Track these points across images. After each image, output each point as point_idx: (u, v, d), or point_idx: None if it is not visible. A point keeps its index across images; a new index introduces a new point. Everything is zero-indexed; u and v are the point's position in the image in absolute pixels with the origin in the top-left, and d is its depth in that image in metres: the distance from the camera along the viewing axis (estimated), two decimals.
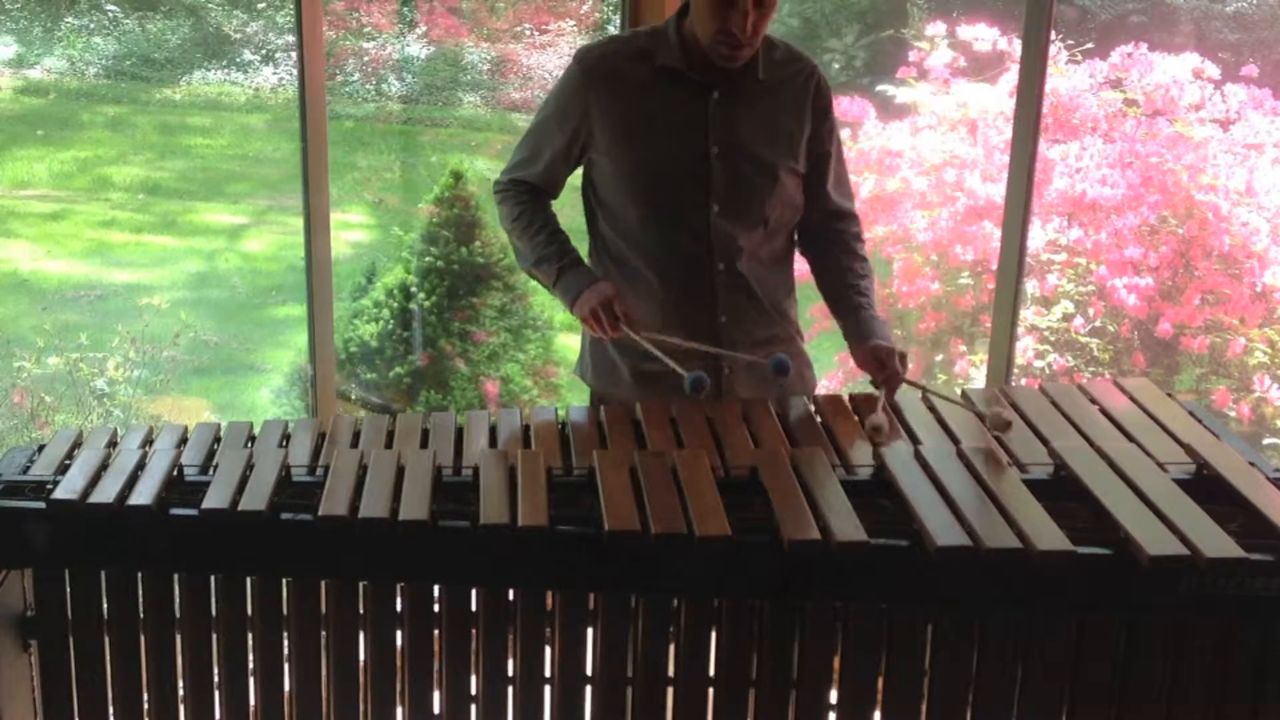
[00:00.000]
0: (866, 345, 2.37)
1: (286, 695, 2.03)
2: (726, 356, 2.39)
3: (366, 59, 6.44)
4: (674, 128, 2.38)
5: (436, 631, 1.98)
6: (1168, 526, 1.85)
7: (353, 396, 4.98)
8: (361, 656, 2.00)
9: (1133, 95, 4.66)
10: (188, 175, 6.56)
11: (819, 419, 2.26)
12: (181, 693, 2.03)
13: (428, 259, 4.94)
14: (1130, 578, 1.82)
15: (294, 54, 5.06)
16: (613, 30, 4.92)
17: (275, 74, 6.69)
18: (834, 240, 2.51)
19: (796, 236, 2.54)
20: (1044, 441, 2.15)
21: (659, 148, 2.38)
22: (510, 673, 1.98)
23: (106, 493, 1.95)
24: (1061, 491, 1.98)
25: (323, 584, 1.97)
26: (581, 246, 2.49)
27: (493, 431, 2.24)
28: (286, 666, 2.02)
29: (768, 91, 2.39)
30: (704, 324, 2.42)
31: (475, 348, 4.95)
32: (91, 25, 6.85)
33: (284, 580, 1.98)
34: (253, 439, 2.22)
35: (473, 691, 2.00)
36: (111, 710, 2.03)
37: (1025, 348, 4.45)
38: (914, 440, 2.18)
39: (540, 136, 2.47)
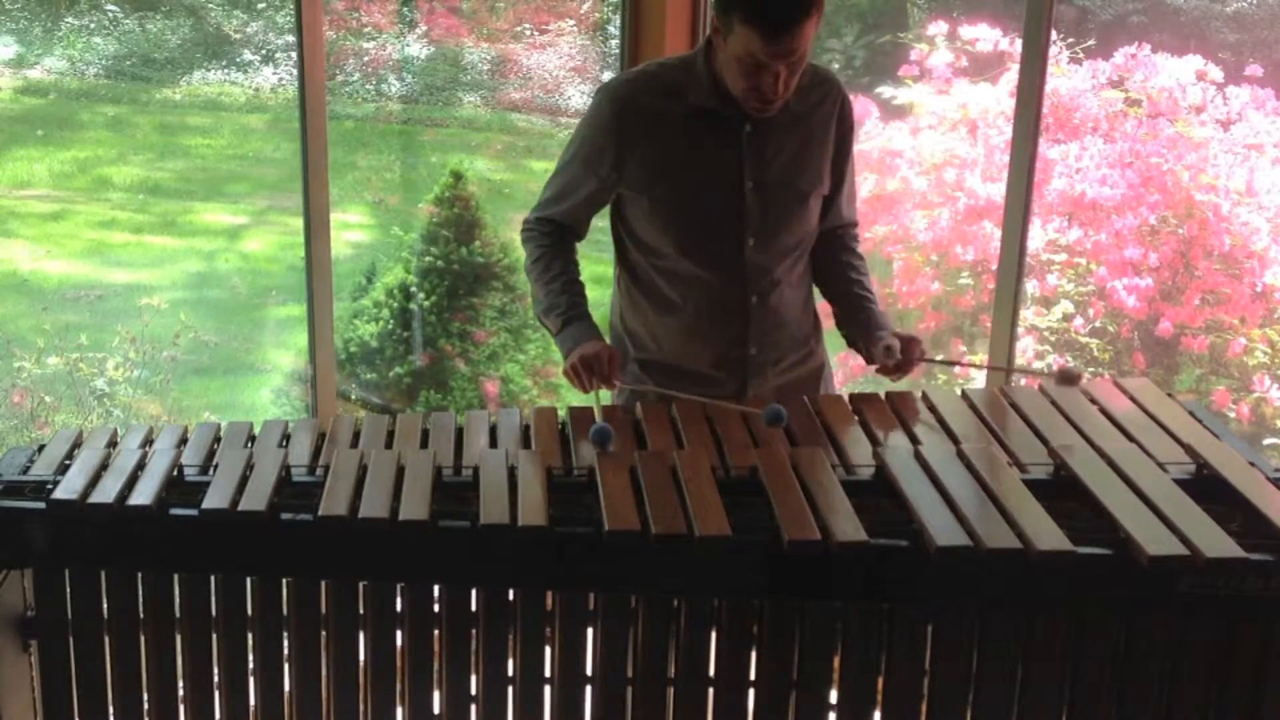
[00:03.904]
0: (889, 336, 2.37)
1: (286, 695, 2.03)
2: (725, 407, 2.27)
3: (366, 59, 6.43)
4: (708, 164, 2.34)
5: (436, 631, 1.98)
6: (1168, 526, 1.85)
7: (353, 396, 4.98)
8: (361, 656, 2.00)
9: (1136, 96, 4.65)
10: (187, 175, 6.55)
11: (819, 419, 2.26)
12: (181, 693, 2.03)
13: (428, 259, 4.93)
14: (1130, 578, 1.82)
15: (294, 54, 5.05)
16: (613, 30, 4.92)
17: (275, 74, 6.68)
18: (834, 240, 2.52)
19: None
20: (1044, 441, 2.15)
21: (693, 184, 2.35)
22: (510, 673, 1.98)
23: (106, 493, 1.95)
24: (1061, 491, 1.98)
25: (323, 584, 1.97)
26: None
27: (493, 431, 2.24)
28: (286, 666, 2.02)
29: (798, 120, 2.36)
30: (734, 355, 2.42)
31: (475, 348, 4.95)
32: (91, 25, 6.84)
33: (284, 580, 1.98)
34: (253, 439, 2.22)
35: (473, 691, 2.00)
36: (111, 710, 2.03)
37: (1025, 348, 4.44)
38: (914, 440, 2.18)
39: (568, 176, 2.43)
